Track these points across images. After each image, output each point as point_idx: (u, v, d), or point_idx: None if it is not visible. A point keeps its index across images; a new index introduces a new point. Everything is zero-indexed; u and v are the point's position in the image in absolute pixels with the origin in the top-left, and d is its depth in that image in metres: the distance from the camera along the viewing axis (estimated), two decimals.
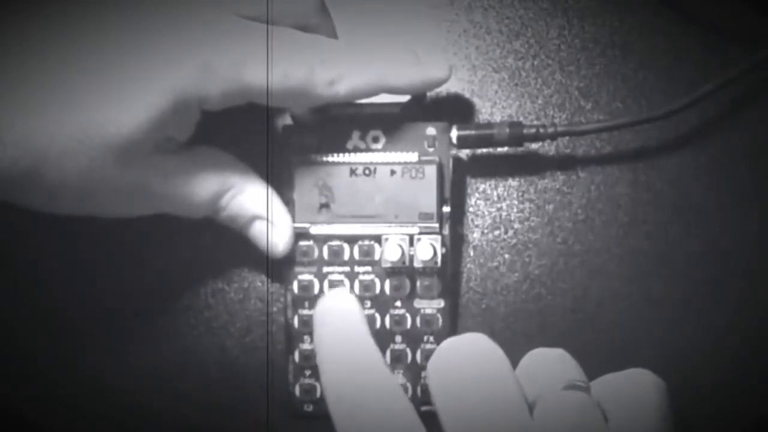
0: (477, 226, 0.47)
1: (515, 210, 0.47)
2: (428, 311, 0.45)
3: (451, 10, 0.48)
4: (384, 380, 0.36)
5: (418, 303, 0.45)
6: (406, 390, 0.45)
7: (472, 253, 0.47)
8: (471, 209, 0.47)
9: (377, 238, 0.45)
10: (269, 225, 0.44)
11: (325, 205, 0.45)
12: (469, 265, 0.47)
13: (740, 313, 0.47)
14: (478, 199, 0.47)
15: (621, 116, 0.47)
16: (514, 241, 0.47)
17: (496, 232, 0.47)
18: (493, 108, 0.48)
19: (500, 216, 0.47)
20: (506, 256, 0.47)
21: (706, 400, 0.46)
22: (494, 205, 0.47)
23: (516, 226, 0.47)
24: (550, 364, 0.37)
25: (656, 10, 0.48)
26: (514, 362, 0.37)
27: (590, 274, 0.47)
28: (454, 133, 0.45)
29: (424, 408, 0.43)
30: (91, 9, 0.40)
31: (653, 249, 0.47)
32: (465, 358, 0.36)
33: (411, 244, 0.44)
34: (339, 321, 0.37)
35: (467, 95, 0.48)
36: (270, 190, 0.45)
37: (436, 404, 0.35)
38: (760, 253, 0.47)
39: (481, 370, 0.36)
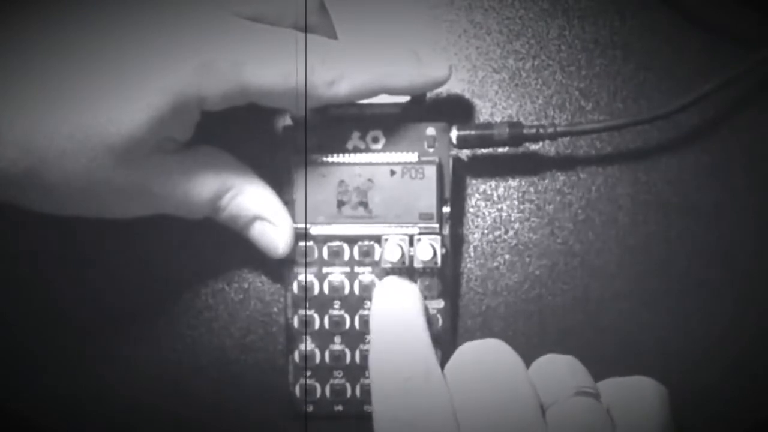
0: (477, 227, 0.47)
1: (515, 210, 0.47)
2: (428, 311, 0.45)
3: (451, 11, 0.48)
4: (429, 364, 0.36)
5: None
6: None
7: (472, 254, 0.47)
8: (471, 209, 0.47)
9: (377, 239, 0.45)
10: (269, 225, 0.44)
11: (324, 205, 0.44)
12: (469, 266, 0.47)
13: (740, 313, 0.47)
14: (478, 199, 0.47)
15: (621, 116, 0.47)
16: (514, 241, 0.47)
17: (497, 233, 0.47)
18: (494, 108, 0.48)
19: (500, 216, 0.47)
20: (506, 256, 0.47)
21: (707, 400, 0.46)
22: (494, 205, 0.47)
23: (516, 226, 0.47)
24: (560, 371, 0.38)
25: (656, 10, 0.48)
26: None
27: (590, 275, 0.47)
28: (454, 134, 0.45)
29: None
30: (90, 9, 0.40)
31: (653, 249, 0.47)
32: (483, 361, 0.36)
33: (411, 244, 0.44)
34: (397, 308, 0.38)
35: (467, 96, 0.48)
36: (270, 190, 0.45)
37: (453, 403, 0.36)
38: (759, 253, 0.47)
39: (498, 373, 0.36)
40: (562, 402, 0.36)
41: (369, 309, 0.44)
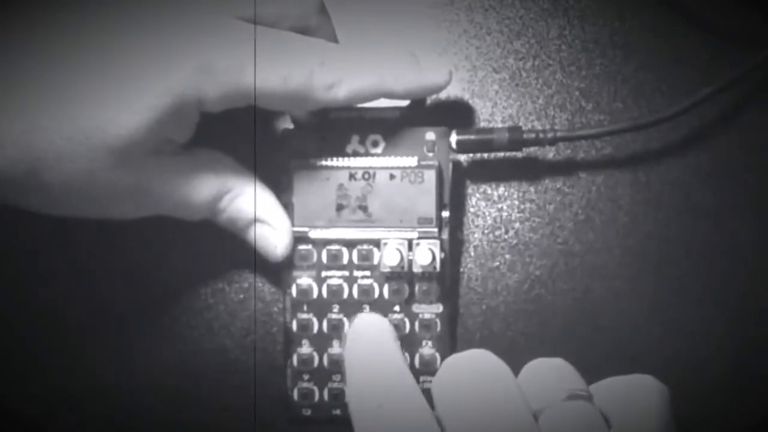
0: (477, 227, 0.47)
1: (516, 210, 0.47)
2: (427, 316, 0.45)
3: (451, 11, 0.48)
4: (407, 386, 0.36)
5: (416, 308, 0.45)
6: None
7: (472, 254, 0.47)
8: (471, 210, 0.47)
9: (376, 243, 0.45)
10: (268, 228, 0.44)
11: (324, 209, 0.44)
12: (469, 266, 0.47)
13: (740, 313, 0.47)
14: (478, 199, 0.47)
15: (621, 116, 0.47)
16: (514, 241, 0.47)
17: (497, 233, 0.47)
18: (494, 108, 0.48)
19: (501, 216, 0.47)
20: (507, 256, 0.47)
21: (706, 401, 0.46)
22: (495, 205, 0.47)
23: (516, 226, 0.47)
24: (550, 375, 0.38)
25: (656, 10, 0.47)
26: (514, 363, 0.38)
27: (590, 275, 0.47)
28: (454, 138, 0.45)
29: None
30: (90, 10, 0.40)
31: (653, 249, 0.47)
32: (470, 373, 0.36)
33: (410, 248, 0.44)
34: (371, 334, 0.38)
35: (467, 96, 0.48)
36: (269, 192, 0.45)
37: (442, 420, 0.36)
38: (760, 253, 0.47)
39: (486, 385, 0.36)
40: (554, 407, 0.36)
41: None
